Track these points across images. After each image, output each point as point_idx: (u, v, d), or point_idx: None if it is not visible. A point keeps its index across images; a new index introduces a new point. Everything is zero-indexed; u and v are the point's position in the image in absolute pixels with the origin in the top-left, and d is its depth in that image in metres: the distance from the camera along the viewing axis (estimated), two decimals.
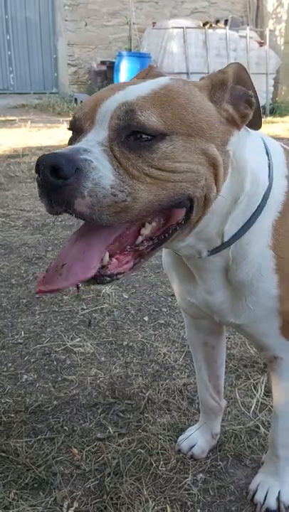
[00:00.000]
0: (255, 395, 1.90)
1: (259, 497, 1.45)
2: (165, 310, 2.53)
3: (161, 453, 1.62)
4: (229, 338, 2.23)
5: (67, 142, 1.03)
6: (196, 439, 1.62)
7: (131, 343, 2.23)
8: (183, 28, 9.56)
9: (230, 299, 1.17)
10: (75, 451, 1.62)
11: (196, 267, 1.17)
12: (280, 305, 1.12)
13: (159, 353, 2.16)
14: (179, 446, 1.63)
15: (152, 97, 0.93)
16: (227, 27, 10.15)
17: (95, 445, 1.65)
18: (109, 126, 0.92)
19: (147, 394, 1.90)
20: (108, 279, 0.94)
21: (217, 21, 10.77)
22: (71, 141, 1.01)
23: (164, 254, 1.33)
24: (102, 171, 0.88)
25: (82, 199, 0.85)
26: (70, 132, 1.04)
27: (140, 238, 0.98)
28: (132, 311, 2.51)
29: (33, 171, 0.94)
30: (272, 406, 1.84)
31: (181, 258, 1.19)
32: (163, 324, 2.40)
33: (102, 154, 0.90)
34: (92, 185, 0.86)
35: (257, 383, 1.96)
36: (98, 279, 0.93)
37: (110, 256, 0.95)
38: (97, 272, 0.92)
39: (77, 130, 0.99)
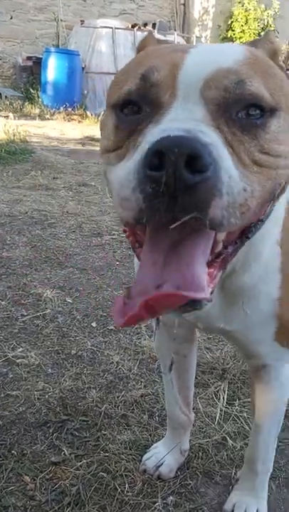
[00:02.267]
0: (217, 403, 1.79)
1: None
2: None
3: (125, 475, 1.46)
4: None
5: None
6: (163, 457, 1.47)
7: (80, 352, 2.04)
8: (112, 28, 9.46)
9: (221, 304, 1.02)
10: (28, 479, 1.41)
11: None
12: (279, 308, 1.01)
13: (112, 362, 2.00)
14: (144, 466, 1.48)
15: (252, 63, 0.76)
16: (155, 30, 10.17)
17: (50, 470, 1.45)
18: (208, 99, 0.71)
19: (103, 408, 1.72)
20: (205, 302, 0.69)
21: (145, 24, 10.77)
22: (131, 123, 0.75)
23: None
24: (227, 160, 0.67)
25: (220, 199, 0.64)
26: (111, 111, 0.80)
27: (220, 244, 0.76)
28: (78, 317, 2.31)
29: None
30: (236, 415, 1.75)
31: None
32: (113, 330, 2.23)
33: (217, 137, 0.68)
34: (228, 179, 0.65)
35: (218, 391, 1.85)
36: (195, 305, 0.69)
37: None
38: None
39: (150, 101, 0.74)
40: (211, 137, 0.67)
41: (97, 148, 5.57)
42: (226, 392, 1.84)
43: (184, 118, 0.69)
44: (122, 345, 2.12)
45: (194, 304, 0.69)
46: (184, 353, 1.37)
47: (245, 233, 0.79)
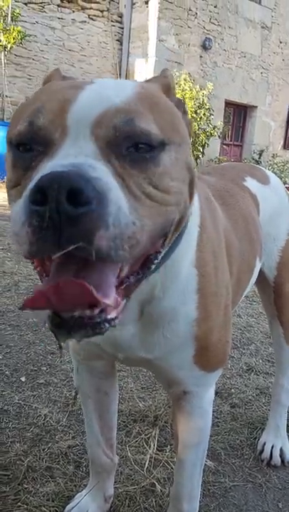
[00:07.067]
0: (147, 450, 1.73)
1: None
2: (45, 369, 2.29)
3: None
4: None
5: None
6: (87, 505, 1.40)
7: (6, 407, 1.95)
8: None
9: (141, 332, 1.02)
10: None
11: None
12: (197, 329, 1.02)
13: (39, 415, 1.91)
14: None
15: (142, 99, 0.78)
16: None
17: None
18: (98, 136, 0.73)
19: (26, 461, 1.63)
20: (107, 325, 0.71)
21: None
22: (26, 160, 0.77)
23: None
24: (116, 192, 0.68)
25: (106, 230, 0.65)
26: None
27: (124, 272, 0.77)
28: (7, 372, 2.23)
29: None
30: (166, 461, 1.70)
31: None
32: (43, 384, 2.16)
33: (107, 171, 0.70)
34: (116, 211, 0.67)
35: (149, 438, 1.80)
36: (98, 326, 0.70)
37: None
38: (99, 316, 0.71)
39: (41, 142, 0.75)
40: (99, 170, 0.69)
41: None
42: (157, 438, 1.79)
43: (75, 153, 0.71)
44: (52, 398, 2.04)
45: (104, 323, 0.70)
46: (105, 390, 1.34)
47: (147, 264, 0.81)
